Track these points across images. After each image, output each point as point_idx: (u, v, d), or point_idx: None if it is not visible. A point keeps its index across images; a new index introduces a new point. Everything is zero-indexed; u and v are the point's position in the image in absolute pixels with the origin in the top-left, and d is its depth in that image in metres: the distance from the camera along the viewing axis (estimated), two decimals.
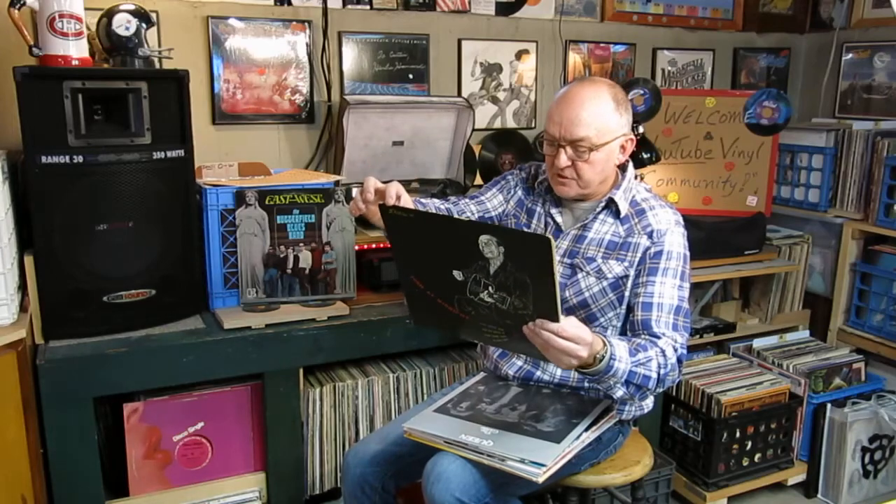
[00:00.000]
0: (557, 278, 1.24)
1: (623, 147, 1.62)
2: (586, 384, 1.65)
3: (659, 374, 1.47)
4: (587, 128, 1.55)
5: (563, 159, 1.58)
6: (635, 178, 1.72)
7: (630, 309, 1.61)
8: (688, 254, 1.63)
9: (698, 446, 2.50)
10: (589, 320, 1.62)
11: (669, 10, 3.09)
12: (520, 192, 1.80)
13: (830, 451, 2.63)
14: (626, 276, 1.61)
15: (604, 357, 1.38)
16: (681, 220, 1.65)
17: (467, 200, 1.82)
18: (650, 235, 1.60)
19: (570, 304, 1.64)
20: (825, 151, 2.87)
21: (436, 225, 1.38)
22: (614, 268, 1.61)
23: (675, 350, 1.52)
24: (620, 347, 1.43)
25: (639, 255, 1.60)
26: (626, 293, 1.62)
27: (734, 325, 2.85)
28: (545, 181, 1.74)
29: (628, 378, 1.43)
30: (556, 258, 1.27)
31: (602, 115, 1.56)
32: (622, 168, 1.68)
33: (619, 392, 1.47)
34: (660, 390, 1.54)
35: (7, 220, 1.70)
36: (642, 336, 1.54)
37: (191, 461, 1.92)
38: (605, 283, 1.62)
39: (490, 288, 1.31)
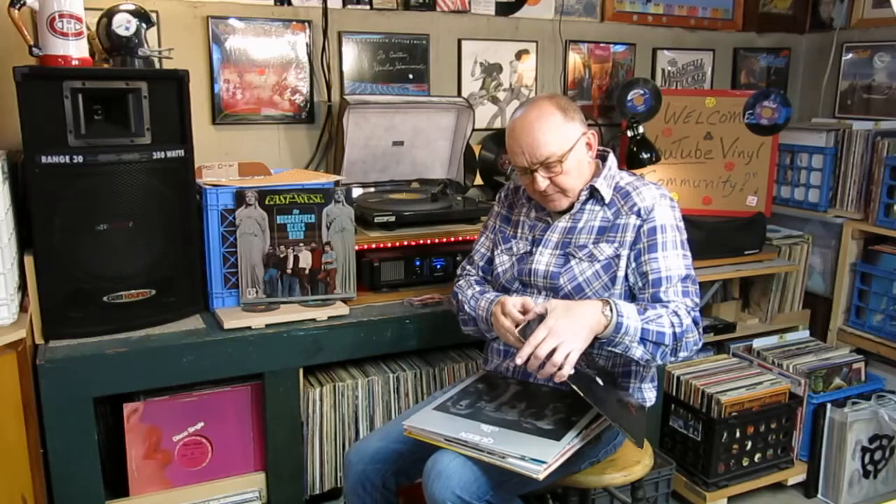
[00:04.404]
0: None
1: (588, 144, 1.69)
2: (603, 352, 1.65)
3: (675, 332, 1.54)
4: (548, 145, 1.62)
5: (542, 182, 1.65)
6: (622, 168, 1.78)
7: (641, 289, 1.64)
8: (681, 224, 1.67)
9: (698, 446, 2.50)
10: None
11: (669, 10, 3.09)
12: (503, 212, 1.87)
13: (830, 451, 2.63)
14: (618, 256, 1.65)
15: (610, 314, 1.48)
16: (666, 193, 1.69)
17: (478, 264, 1.88)
18: (638, 214, 1.65)
19: (566, 291, 1.67)
20: (825, 151, 2.87)
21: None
22: (605, 250, 1.66)
23: (689, 312, 1.57)
24: (625, 306, 1.52)
25: (629, 234, 1.65)
26: (620, 273, 1.65)
27: (734, 325, 2.85)
28: None
29: (642, 336, 1.51)
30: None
31: (555, 129, 1.63)
32: (603, 160, 1.74)
33: (639, 352, 1.52)
34: (683, 355, 1.58)
35: (7, 220, 1.70)
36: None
37: (191, 461, 1.92)
38: (597, 266, 1.66)
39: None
